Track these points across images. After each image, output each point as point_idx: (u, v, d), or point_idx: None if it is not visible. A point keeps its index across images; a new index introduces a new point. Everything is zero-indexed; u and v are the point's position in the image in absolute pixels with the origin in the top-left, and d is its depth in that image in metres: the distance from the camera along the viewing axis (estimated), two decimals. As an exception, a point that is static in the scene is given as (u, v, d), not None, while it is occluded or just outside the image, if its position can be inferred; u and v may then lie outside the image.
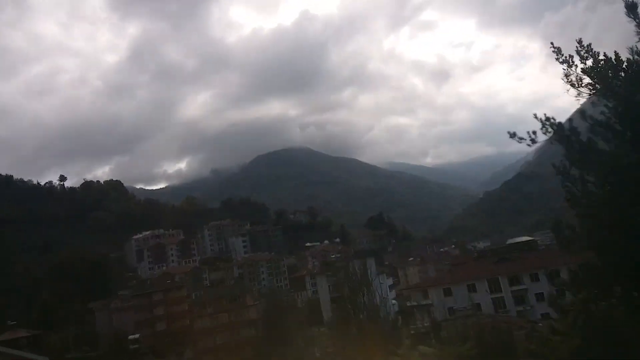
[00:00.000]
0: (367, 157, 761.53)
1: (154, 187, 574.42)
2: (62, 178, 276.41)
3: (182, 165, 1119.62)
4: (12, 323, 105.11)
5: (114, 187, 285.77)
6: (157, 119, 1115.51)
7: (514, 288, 72.72)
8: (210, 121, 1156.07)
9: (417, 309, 79.42)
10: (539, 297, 71.84)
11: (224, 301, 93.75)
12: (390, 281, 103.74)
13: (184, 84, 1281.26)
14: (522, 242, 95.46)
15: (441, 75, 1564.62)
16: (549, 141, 15.11)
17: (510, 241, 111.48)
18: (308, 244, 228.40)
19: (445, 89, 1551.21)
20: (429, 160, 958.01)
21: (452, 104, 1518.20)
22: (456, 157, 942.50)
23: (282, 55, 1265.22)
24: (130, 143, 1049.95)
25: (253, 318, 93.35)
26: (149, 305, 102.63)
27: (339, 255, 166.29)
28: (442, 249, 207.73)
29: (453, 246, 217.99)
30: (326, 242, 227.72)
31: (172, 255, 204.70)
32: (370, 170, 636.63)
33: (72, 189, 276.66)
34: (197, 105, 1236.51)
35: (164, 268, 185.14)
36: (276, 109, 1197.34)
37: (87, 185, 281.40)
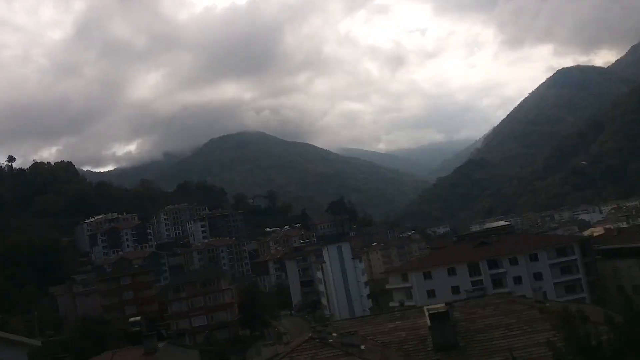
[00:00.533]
0: (321, 142, 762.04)
1: (103, 170, 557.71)
2: (11, 159, 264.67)
3: (132, 147, 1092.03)
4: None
5: (64, 168, 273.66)
6: (106, 99, 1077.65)
7: (493, 271, 74.02)
8: (162, 103, 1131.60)
9: (396, 292, 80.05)
10: (517, 280, 73.61)
11: (198, 285, 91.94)
12: (362, 265, 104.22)
13: (133, 62, 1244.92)
14: (499, 227, 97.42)
15: (395, 61, 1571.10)
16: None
17: (487, 226, 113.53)
18: (268, 229, 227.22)
19: (398, 75, 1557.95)
20: (381, 147, 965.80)
21: (404, 91, 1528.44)
22: (408, 143, 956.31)
23: (236, 35, 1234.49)
24: (78, 124, 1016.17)
25: (228, 302, 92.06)
26: (118, 289, 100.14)
27: (306, 241, 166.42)
28: (402, 234, 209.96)
29: (413, 231, 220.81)
30: (287, 227, 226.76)
31: (127, 240, 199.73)
32: (324, 156, 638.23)
33: (20, 170, 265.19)
34: (148, 85, 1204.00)
35: (120, 253, 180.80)
36: (230, 91, 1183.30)
37: (36, 166, 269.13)
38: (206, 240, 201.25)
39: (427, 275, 75.76)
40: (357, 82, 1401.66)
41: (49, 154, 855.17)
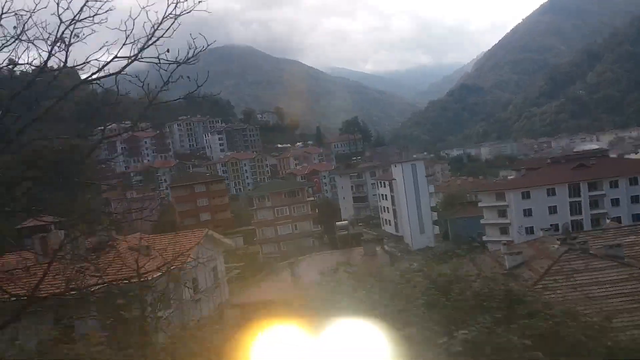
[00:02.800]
0: (309, 59, 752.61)
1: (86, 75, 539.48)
2: (12, 62, 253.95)
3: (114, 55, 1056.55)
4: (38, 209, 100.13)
5: (68, 74, 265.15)
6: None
7: (592, 193, 76.89)
8: (148, 7, 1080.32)
9: (488, 210, 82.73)
10: (614, 202, 76.80)
11: (284, 195, 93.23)
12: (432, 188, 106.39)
13: None
14: (594, 149, 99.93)
15: None
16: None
17: (577, 149, 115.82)
18: (279, 145, 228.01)
19: None
20: (368, 67, 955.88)
21: (393, 10, 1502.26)
22: (394, 65, 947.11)
23: None
24: (56, 28, 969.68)
25: (311, 212, 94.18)
26: (192, 196, 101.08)
27: (357, 158, 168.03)
28: (414, 156, 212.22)
29: (425, 153, 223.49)
30: (299, 144, 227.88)
31: (146, 149, 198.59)
32: (312, 74, 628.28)
33: (23, 73, 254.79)
34: None
35: (146, 162, 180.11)
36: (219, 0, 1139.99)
37: (40, 70, 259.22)
38: (224, 153, 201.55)
39: (526, 195, 78.30)
40: None
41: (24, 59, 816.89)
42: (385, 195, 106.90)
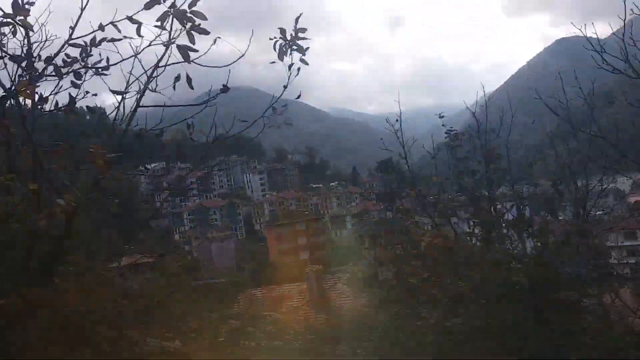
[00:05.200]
0: (314, 101, 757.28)
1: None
2: (42, 98, 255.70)
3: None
4: (130, 248, 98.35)
5: (99, 114, 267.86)
6: (102, 45, 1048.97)
7: None
8: (154, 52, 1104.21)
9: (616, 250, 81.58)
10: None
11: (397, 234, 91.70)
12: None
13: (130, 9, 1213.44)
14: None
15: (392, 23, 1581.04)
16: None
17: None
18: (312, 185, 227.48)
19: (391, 36, 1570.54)
20: (371, 108, 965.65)
21: (395, 52, 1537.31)
22: (396, 106, 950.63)
23: None
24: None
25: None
26: (292, 234, 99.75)
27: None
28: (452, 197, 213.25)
29: (459, 194, 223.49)
30: (333, 183, 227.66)
31: (191, 189, 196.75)
32: (317, 115, 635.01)
33: (52, 112, 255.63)
34: (143, 32, 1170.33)
35: (199, 201, 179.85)
36: (226, 43, 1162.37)
37: (69, 109, 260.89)
38: (265, 192, 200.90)
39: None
40: (353, 42, 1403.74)
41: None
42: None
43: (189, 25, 6.19)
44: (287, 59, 6.64)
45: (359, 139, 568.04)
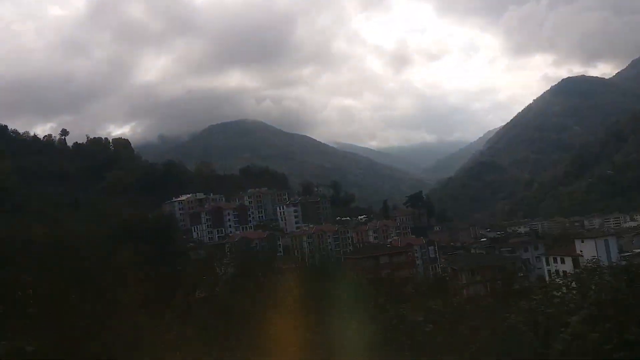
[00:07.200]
0: (319, 135, 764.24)
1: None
2: (64, 132, 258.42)
3: (126, 129, 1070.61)
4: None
5: (123, 145, 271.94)
6: (111, 79, 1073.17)
7: None
8: (166, 87, 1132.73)
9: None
10: None
11: (495, 270, 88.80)
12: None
13: (145, 45, 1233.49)
14: None
15: (399, 60, 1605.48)
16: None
17: None
18: (340, 218, 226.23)
19: (399, 74, 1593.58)
20: (374, 144, 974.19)
21: (398, 90, 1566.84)
22: (399, 142, 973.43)
23: (250, 23, 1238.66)
24: (78, 102, 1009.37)
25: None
26: (376, 267, 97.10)
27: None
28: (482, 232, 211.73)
29: (488, 229, 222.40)
30: (362, 217, 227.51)
31: (229, 220, 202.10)
32: (322, 149, 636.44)
33: (77, 144, 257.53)
34: (156, 69, 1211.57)
35: (236, 232, 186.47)
36: (234, 79, 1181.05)
37: (96, 141, 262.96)
38: (299, 225, 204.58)
39: None
40: (356, 79, 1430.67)
41: (42, 130, 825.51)
42: (564, 271, 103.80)
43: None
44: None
45: (363, 174, 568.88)
